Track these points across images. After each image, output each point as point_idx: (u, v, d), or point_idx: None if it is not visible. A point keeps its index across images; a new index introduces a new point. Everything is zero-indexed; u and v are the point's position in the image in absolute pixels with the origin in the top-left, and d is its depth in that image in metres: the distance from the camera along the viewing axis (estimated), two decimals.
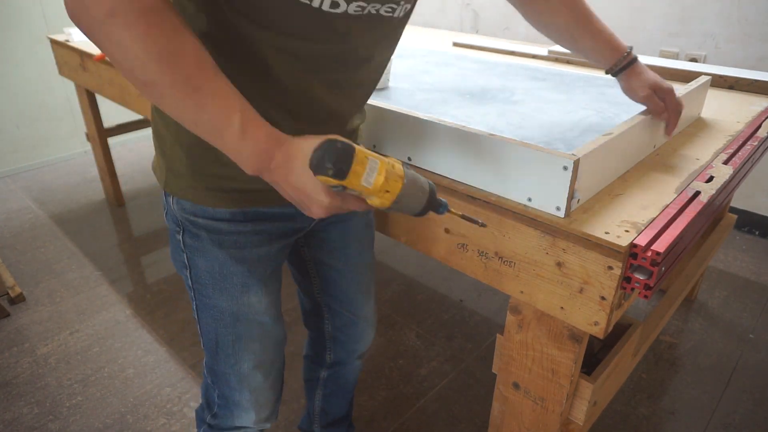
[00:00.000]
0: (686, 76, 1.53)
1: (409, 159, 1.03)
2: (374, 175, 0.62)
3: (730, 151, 1.09)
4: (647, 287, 0.78)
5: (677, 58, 2.39)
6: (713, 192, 0.91)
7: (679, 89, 1.19)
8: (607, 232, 0.80)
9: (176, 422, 1.51)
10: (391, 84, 1.41)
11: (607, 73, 1.06)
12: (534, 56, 1.83)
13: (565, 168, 0.81)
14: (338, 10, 0.67)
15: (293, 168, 0.65)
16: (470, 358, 1.74)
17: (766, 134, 1.21)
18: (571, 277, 0.85)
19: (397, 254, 2.30)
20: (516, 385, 1.07)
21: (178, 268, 0.90)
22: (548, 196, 0.85)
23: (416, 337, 1.82)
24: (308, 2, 0.64)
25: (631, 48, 1.03)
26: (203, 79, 0.61)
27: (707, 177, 0.97)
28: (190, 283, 0.89)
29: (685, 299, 1.99)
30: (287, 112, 0.75)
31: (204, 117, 0.62)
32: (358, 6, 0.68)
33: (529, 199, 0.87)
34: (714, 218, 1.73)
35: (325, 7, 0.65)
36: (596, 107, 1.23)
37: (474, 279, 0.97)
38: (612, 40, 1.02)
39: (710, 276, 2.15)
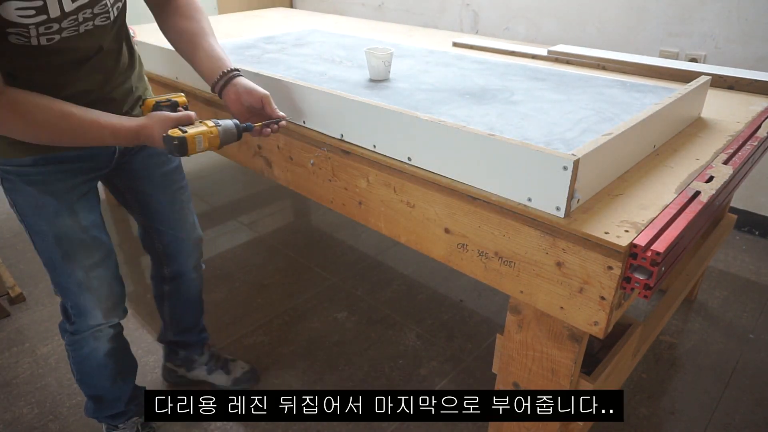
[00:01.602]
0: (686, 76, 1.53)
1: (409, 159, 1.04)
2: (202, 143, 1.00)
3: (730, 151, 1.09)
4: (647, 287, 0.78)
5: (677, 58, 2.39)
6: (713, 192, 0.91)
7: (679, 89, 1.19)
8: (607, 232, 0.80)
9: (177, 422, 1.51)
10: (391, 83, 1.41)
11: (212, 90, 1.13)
12: (534, 56, 1.83)
13: (565, 168, 0.81)
14: (55, 41, 0.93)
15: (155, 141, 0.99)
16: (470, 358, 1.74)
17: (766, 134, 1.21)
18: (571, 277, 0.85)
19: (397, 254, 2.30)
20: (516, 385, 1.07)
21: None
22: (548, 196, 0.85)
23: (416, 337, 1.83)
24: (28, 43, 0.90)
25: (234, 70, 1.11)
26: (71, 122, 0.95)
27: (707, 177, 0.97)
28: (19, 218, 1.12)
29: (685, 299, 1.99)
30: (72, 96, 1.01)
31: (89, 140, 0.98)
32: (73, 30, 0.94)
33: (529, 199, 0.87)
34: (714, 218, 1.73)
35: (43, 42, 0.92)
36: (596, 107, 1.23)
37: (474, 279, 0.97)
38: (220, 60, 1.12)
39: (710, 276, 2.15)
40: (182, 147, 0.97)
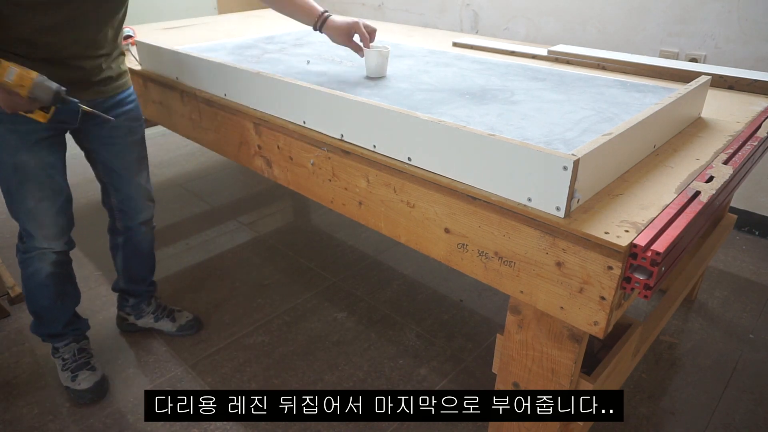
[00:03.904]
0: (686, 76, 1.53)
1: (409, 159, 1.04)
2: (12, 76, 1.10)
3: (730, 151, 1.09)
4: (647, 287, 0.78)
5: (677, 58, 2.39)
6: (713, 192, 0.91)
7: (679, 89, 1.19)
8: (607, 232, 0.80)
9: (177, 422, 1.51)
10: (391, 83, 1.41)
11: (314, 29, 1.48)
12: (534, 56, 1.83)
13: (565, 168, 0.81)
14: None
15: None
16: (470, 358, 1.74)
17: (766, 134, 1.21)
18: (571, 277, 0.85)
19: (397, 254, 2.30)
20: (516, 385, 1.07)
21: None
22: (548, 196, 0.85)
23: (416, 337, 1.83)
24: None
25: (325, 11, 1.48)
26: None
27: (707, 177, 0.97)
28: None
29: (685, 299, 1.99)
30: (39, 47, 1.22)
31: None
32: None
33: (529, 199, 0.88)
34: (714, 218, 1.73)
35: None
36: (596, 107, 1.23)
37: (474, 279, 0.98)
38: (310, 6, 1.48)
39: (710, 276, 2.15)
40: None
